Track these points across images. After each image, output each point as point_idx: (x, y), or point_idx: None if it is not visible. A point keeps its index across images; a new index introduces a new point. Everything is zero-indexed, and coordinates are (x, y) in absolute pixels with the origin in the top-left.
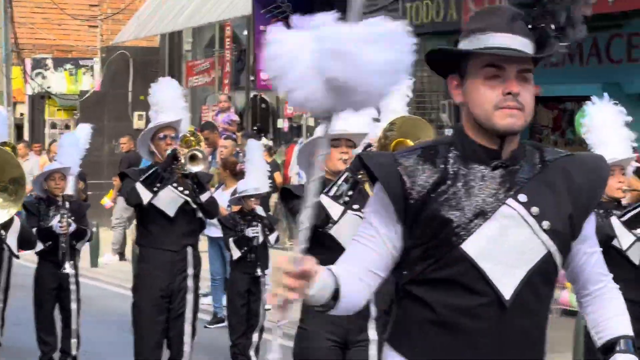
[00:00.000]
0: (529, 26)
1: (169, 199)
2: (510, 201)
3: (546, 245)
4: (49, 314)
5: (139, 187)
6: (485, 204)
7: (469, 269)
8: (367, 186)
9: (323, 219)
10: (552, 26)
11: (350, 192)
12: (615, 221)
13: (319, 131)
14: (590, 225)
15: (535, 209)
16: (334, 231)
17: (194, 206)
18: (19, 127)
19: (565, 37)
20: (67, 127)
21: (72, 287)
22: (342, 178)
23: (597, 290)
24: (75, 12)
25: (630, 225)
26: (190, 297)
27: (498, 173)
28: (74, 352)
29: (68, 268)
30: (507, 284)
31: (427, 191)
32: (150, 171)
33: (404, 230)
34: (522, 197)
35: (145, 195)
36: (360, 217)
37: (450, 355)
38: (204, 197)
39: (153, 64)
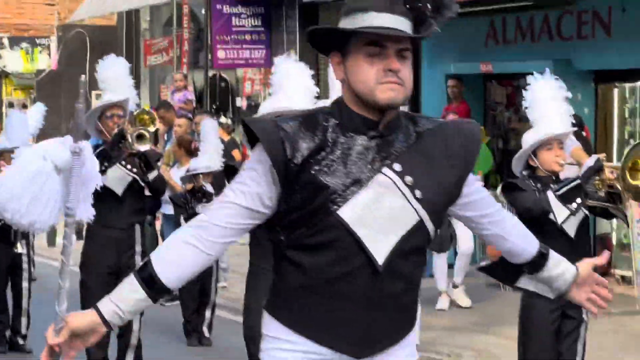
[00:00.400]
0: (407, 6)
1: (117, 178)
2: (385, 170)
3: (418, 214)
4: (2, 292)
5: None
6: (362, 173)
7: (344, 235)
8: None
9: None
10: (429, 6)
11: (579, 200)
12: (550, 195)
13: None
14: (476, 191)
15: (409, 178)
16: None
17: (142, 184)
18: None
19: (440, 16)
20: (24, 106)
21: (25, 265)
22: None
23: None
24: None
25: (565, 199)
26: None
27: (375, 143)
28: (24, 331)
29: (20, 248)
30: (380, 250)
31: (306, 157)
32: (98, 150)
33: (281, 194)
34: (397, 167)
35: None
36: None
37: (324, 319)
38: (151, 176)
39: (110, 42)
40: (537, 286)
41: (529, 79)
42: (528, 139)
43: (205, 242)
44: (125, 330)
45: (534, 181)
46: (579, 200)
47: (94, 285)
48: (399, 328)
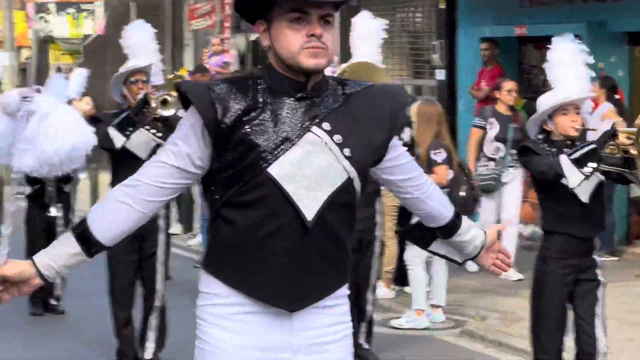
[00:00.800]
0: None
1: (141, 142)
2: (315, 129)
3: (347, 171)
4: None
5: (112, 131)
6: (291, 131)
7: (274, 191)
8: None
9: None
10: None
11: (594, 165)
12: (564, 159)
13: None
14: (401, 156)
15: (337, 137)
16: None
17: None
18: (24, 71)
19: None
20: (71, 70)
21: (59, 229)
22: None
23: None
24: None
25: (579, 163)
26: (161, 237)
27: (303, 104)
28: (58, 291)
29: (54, 211)
30: (309, 206)
31: (237, 117)
32: (122, 115)
33: (213, 153)
34: (326, 126)
35: (117, 139)
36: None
37: (256, 274)
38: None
39: (155, 7)
40: (448, 250)
41: (553, 40)
42: (544, 102)
43: (138, 200)
44: (149, 292)
45: (548, 145)
46: (593, 164)
47: (118, 247)
48: (329, 282)
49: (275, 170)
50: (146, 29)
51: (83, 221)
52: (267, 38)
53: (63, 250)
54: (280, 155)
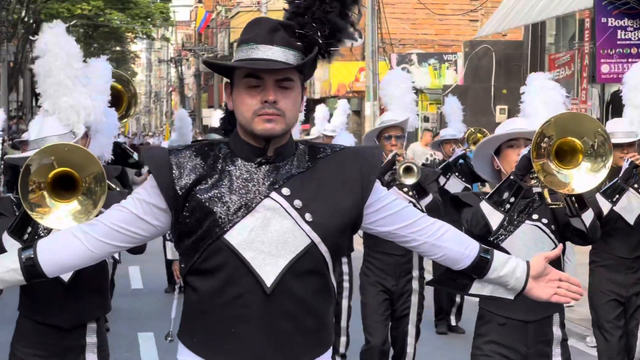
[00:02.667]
0: (299, 34)
1: None
2: (273, 194)
3: (309, 236)
4: None
5: None
6: (249, 198)
7: (232, 258)
8: (546, 192)
9: (482, 228)
10: (320, 33)
11: (512, 199)
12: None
13: None
14: (388, 207)
15: (297, 202)
16: (507, 244)
17: (420, 207)
18: None
19: (338, 41)
20: (426, 119)
21: None
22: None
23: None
24: (455, 6)
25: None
26: (414, 299)
27: (263, 169)
28: None
29: None
30: (269, 272)
31: (193, 183)
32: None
33: (173, 217)
34: (286, 191)
35: None
36: (540, 227)
37: (222, 341)
38: (424, 202)
39: (516, 57)
40: (493, 290)
41: None
42: None
43: (90, 237)
44: (400, 352)
45: None
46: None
47: (373, 304)
48: (301, 350)
49: (233, 237)
50: (403, 79)
51: (34, 246)
52: (230, 101)
53: (5, 262)
54: (237, 222)
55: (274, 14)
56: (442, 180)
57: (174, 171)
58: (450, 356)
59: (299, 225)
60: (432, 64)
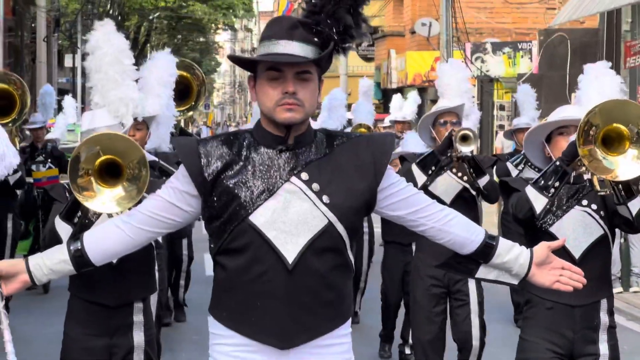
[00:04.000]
0: (316, 30)
1: (446, 185)
2: (293, 179)
3: (327, 216)
4: None
5: (414, 169)
6: (271, 182)
7: (257, 238)
8: (595, 179)
9: (526, 212)
10: (335, 30)
11: (557, 184)
12: None
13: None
14: (399, 192)
15: (315, 185)
16: (555, 228)
17: (473, 192)
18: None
19: (351, 37)
20: (502, 107)
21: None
22: (552, 168)
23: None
24: None
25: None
26: (472, 285)
27: (284, 155)
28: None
29: None
30: (290, 250)
31: (220, 170)
32: (428, 152)
33: (202, 203)
34: (304, 176)
35: (420, 178)
36: (589, 213)
37: (248, 314)
38: (482, 182)
39: (591, 45)
40: (498, 274)
41: None
42: None
43: (130, 226)
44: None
45: None
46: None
47: (423, 300)
48: (322, 322)
49: (256, 218)
50: (460, 68)
51: (80, 237)
52: (254, 93)
53: (55, 255)
54: (260, 205)
55: None
56: (514, 171)
57: (202, 159)
58: None
59: (317, 207)
60: (507, 52)
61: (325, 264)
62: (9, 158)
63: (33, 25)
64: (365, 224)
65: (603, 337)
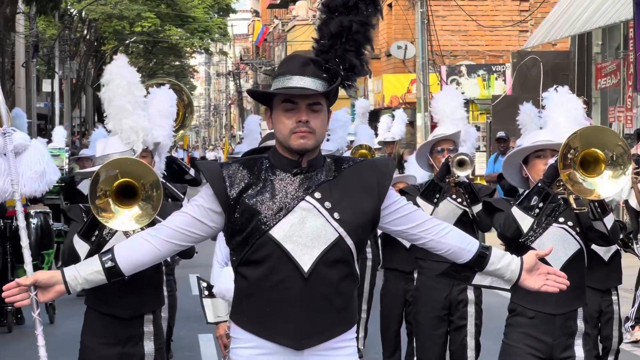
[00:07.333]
0: (325, 67)
1: (447, 211)
2: (308, 198)
3: (337, 231)
4: None
5: (420, 201)
6: (288, 201)
7: (276, 250)
8: (571, 198)
9: (514, 231)
10: (341, 67)
11: (541, 205)
12: None
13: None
14: (400, 209)
15: (327, 204)
16: (536, 244)
17: (471, 217)
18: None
19: (356, 74)
20: (477, 128)
21: None
22: (535, 190)
23: (438, 234)
24: (505, 17)
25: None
26: (471, 310)
27: (298, 177)
28: None
29: None
30: (306, 261)
31: (242, 190)
32: (428, 182)
33: (226, 218)
34: (318, 195)
35: (427, 209)
36: (566, 229)
37: (267, 319)
38: (475, 209)
39: (563, 67)
40: (492, 280)
41: None
42: None
43: (158, 239)
44: None
45: None
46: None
47: (427, 321)
48: (332, 325)
49: (276, 232)
50: (455, 95)
51: (111, 250)
52: (270, 122)
53: (89, 267)
54: (279, 220)
55: None
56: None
57: (226, 181)
58: None
59: (329, 222)
60: (481, 74)
61: (336, 274)
62: (50, 175)
63: (12, 51)
64: (368, 249)
65: (578, 342)
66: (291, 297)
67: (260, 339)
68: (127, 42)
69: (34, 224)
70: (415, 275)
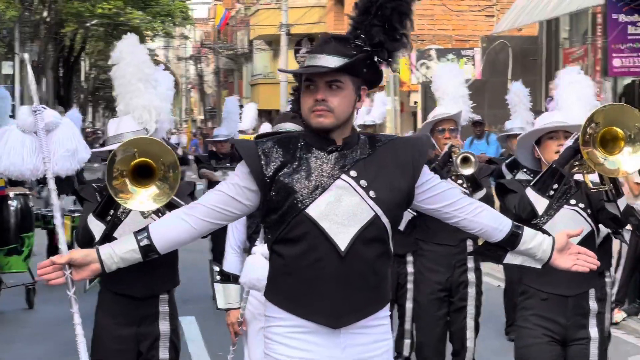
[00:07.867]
0: (351, 44)
1: None
2: (343, 176)
3: (373, 209)
4: None
5: None
6: (324, 179)
7: (312, 228)
8: (586, 179)
9: (528, 213)
10: (367, 43)
11: (555, 186)
12: None
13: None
14: (434, 187)
15: (363, 182)
16: (548, 226)
17: None
18: (414, 115)
19: (385, 50)
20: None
21: None
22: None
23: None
24: (472, 2)
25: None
26: (471, 291)
27: (333, 156)
28: None
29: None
30: (342, 239)
31: (277, 168)
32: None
33: (262, 196)
34: (353, 173)
35: None
36: (577, 211)
37: (303, 297)
38: (478, 195)
39: (531, 52)
40: (523, 259)
41: None
42: None
43: (193, 217)
44: (459, 347)
45: None
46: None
47: (426, 302)
48: (367, 303)
49: (312, 210)
50: (456, 73)
51: (146, 228)
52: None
53: (124, 245)
54: (315, 199)
55: (295, 11)
56: (508, 175)
57: (261, 160)
58: None
59: (365, 201)
60: (451, 59)
61: (372, 252)
62: (81, 153)
63: None
64: None
65: (593, 322)
66: (327, 276)
67: (296, 317)
68: (88, 24)
69: (13, 206)
70: (410, 258)
